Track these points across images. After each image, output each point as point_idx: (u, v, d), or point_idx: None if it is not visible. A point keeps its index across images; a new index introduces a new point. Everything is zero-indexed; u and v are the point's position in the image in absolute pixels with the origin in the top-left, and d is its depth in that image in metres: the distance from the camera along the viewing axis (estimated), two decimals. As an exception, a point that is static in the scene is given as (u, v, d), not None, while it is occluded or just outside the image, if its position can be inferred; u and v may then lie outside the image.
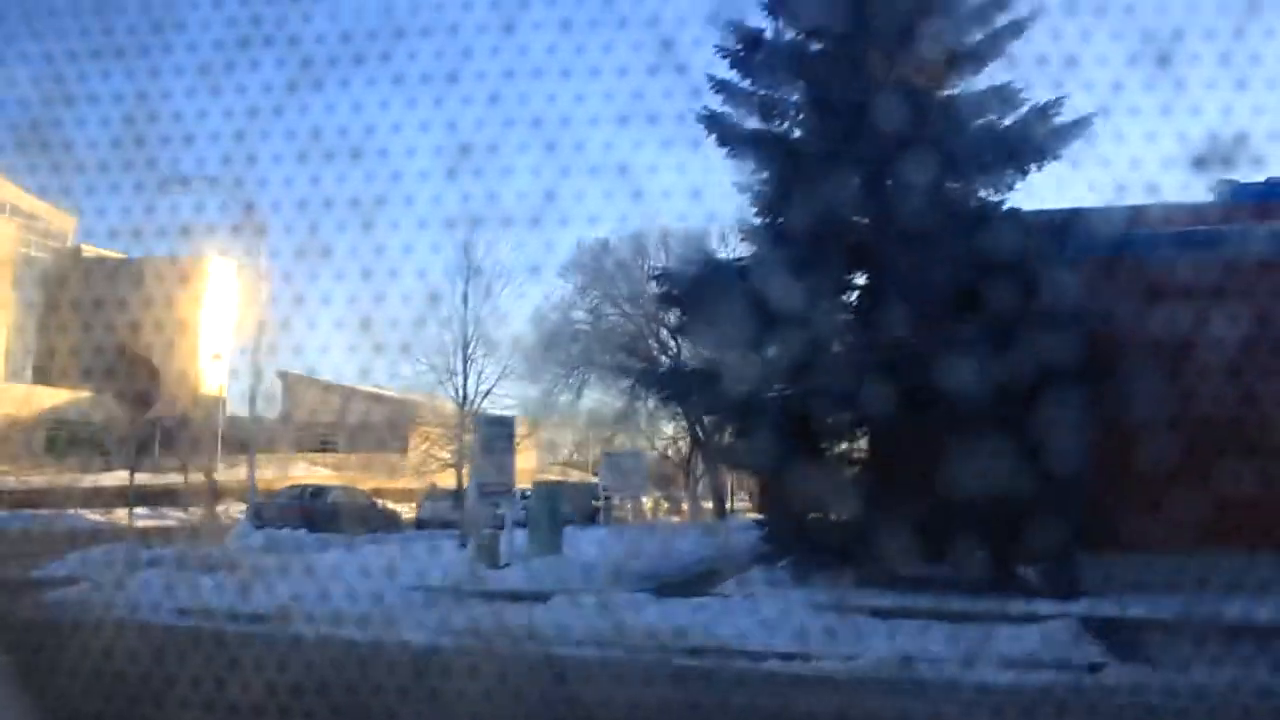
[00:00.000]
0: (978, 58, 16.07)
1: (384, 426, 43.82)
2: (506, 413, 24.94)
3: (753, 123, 16.29)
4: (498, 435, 17.80)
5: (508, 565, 16.47)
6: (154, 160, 9.04)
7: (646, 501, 36.89)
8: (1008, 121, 16.03)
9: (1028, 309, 15.19)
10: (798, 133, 16.11)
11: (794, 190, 15.11)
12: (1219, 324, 15.51)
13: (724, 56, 16.04)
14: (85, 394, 40.09)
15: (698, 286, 15.70)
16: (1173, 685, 9.40)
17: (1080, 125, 15.52)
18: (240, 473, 38.74)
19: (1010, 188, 16.12)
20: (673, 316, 15.59)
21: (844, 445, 16.48)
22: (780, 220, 15.82)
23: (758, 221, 16.23)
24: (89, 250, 46.27)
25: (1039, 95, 15.83)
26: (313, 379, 45.80)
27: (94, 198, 9.26)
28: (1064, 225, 15.93)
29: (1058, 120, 15.70)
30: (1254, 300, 15.54)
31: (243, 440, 38.35)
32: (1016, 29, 15.98)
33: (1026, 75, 16.07)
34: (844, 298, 15.93)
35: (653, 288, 16.01)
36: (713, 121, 15.88)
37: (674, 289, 15.98)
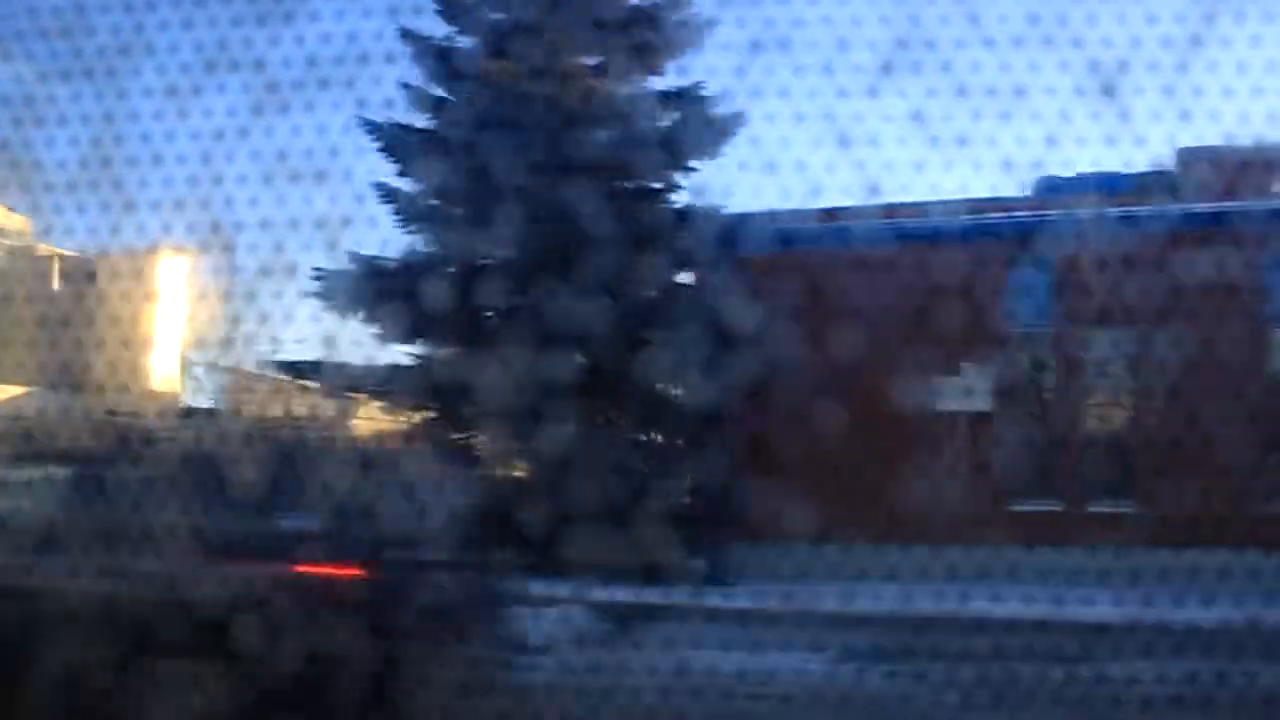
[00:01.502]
0: (641, 55, 16.44)
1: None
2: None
3: (418, 124, 16.78)
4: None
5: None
6: (120, 181, 9.25)
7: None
8: (666, 121, 16.41)
9: (681, 305, 15.64)
10: (454, 133, 16.49)
11: (445, 190, 15.74)
12: (875, 320, 15.80)
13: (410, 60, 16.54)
14: (36, 389, 41.85)
15: (343, 283, 16.26)
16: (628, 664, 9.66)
17: (736, 120, 15.87)
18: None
19: (675, 185, 16.51)
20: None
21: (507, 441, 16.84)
22: (431, 221, 16.39)
23: (411, 223, 16.69)
24: (44, 249, 48.03)
25: (710, 90, 16.18)
26: (259, 374, 47.11)
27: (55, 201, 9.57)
28: (740, 224, 16.23)
29: (718, 116, 16.02)
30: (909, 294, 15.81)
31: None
32: (687, 27, 16.34)
33: (700, 71, 16.48)
34: (485, 299, 16.26)
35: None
36: (372, 126, 16.40)
37: (325, 284, 16.50)
